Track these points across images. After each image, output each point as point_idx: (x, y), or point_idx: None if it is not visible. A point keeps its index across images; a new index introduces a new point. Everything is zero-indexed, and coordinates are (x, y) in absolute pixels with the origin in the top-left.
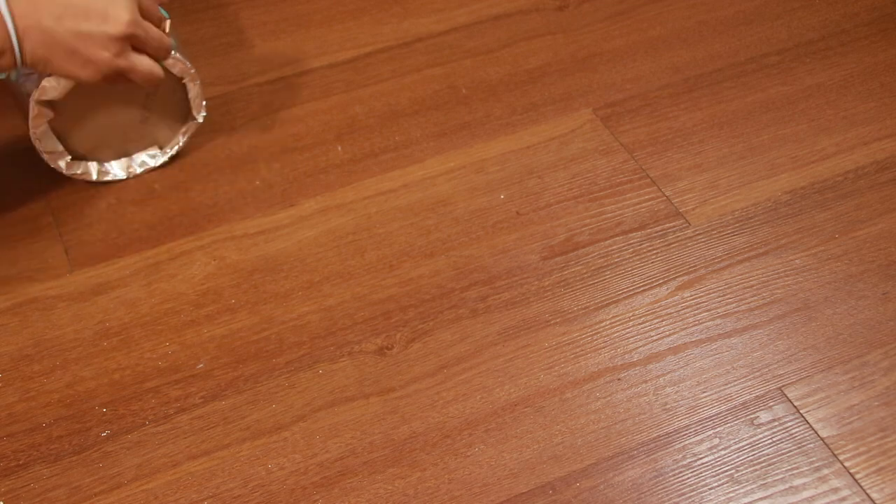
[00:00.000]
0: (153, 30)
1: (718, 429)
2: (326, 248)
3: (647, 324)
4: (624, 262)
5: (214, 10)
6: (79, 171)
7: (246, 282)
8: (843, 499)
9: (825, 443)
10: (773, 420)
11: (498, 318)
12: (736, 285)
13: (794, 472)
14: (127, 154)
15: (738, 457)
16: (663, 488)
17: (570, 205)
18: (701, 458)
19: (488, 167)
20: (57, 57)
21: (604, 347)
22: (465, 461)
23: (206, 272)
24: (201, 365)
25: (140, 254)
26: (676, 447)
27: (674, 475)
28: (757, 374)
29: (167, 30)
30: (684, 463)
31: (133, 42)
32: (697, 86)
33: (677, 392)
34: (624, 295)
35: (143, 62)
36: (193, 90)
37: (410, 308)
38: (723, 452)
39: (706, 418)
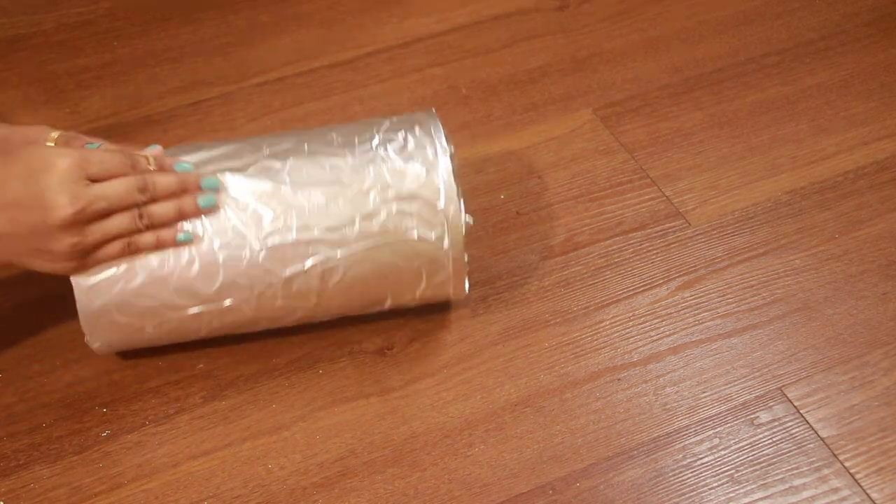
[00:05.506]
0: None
1: (718, 429)
2: None
3: (647, 324)
4: (624, 262)
5: (214, 10)
6: None
7: None
8: (843, 499)
9: (825, 443)
10: (773, 420)
11: (498, 318)
12: (736, 285)
13: (795, 472)
14: None
15: (738, 457)
16: (663, 488)
17: (570, 205)
18: (701, 458)
19: (488, 167)
20: (23, 257)
21: (604, 347)
22: (465, 461)
23: None
24: (201, 365)
25: None
26: (676, 447)
27: (674, 475)
28: (757, 374)
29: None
30: (684, 463)
31: (96, 219)
32: (697, 86)
33: (677, 392)
34: (624, 295)
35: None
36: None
37: (410, 308)
38: (723, 452)
39: (706, 418)
